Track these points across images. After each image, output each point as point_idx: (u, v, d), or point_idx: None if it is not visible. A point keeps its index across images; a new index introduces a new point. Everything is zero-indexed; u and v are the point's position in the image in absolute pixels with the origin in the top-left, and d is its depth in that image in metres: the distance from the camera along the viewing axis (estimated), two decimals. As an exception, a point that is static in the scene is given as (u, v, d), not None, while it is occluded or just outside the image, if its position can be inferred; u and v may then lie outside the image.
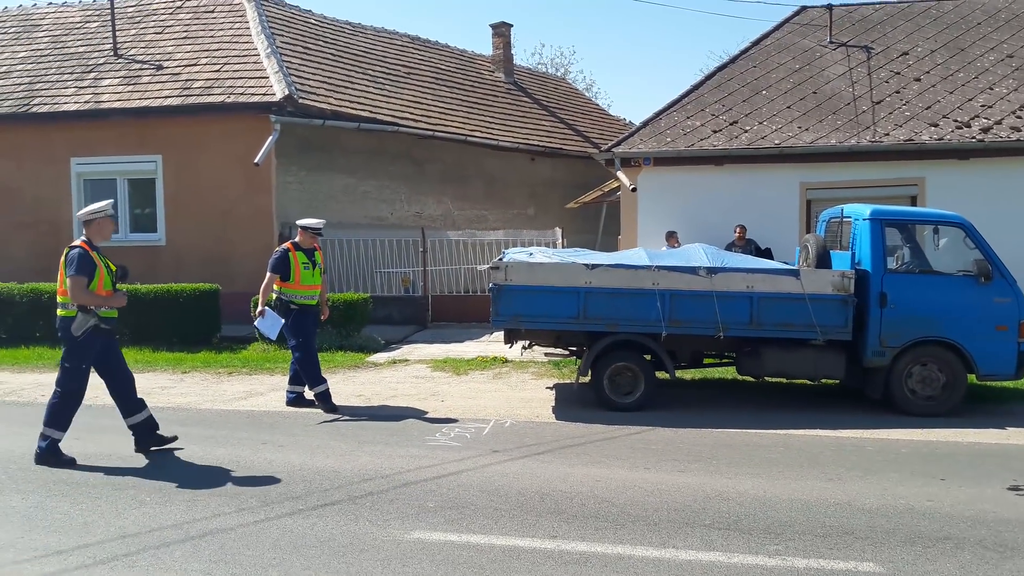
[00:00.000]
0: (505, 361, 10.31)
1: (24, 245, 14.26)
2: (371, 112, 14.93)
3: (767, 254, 11.36)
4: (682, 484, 5.73)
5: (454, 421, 7.56)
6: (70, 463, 6.21)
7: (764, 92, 14.01)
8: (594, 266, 7.98)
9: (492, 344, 11.28)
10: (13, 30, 17.05)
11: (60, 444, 6.30)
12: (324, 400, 7.92)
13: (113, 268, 6.55)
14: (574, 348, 8.68)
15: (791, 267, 8.36)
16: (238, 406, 8.37)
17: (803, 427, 7.46)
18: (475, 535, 4.78)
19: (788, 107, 13.46)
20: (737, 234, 11.80)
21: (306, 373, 7.97)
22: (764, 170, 12.52)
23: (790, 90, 13.95)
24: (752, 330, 7.92)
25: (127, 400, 6.65)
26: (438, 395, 8.70)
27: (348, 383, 8.57)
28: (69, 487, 5.70)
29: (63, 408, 6.32)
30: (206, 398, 8.74)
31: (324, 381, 8.01)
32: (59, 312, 6.37)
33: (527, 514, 5.12)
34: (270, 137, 12.97)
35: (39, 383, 9.56)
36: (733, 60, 15.36)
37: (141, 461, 6.32)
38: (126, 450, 6.60)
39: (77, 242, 6.38)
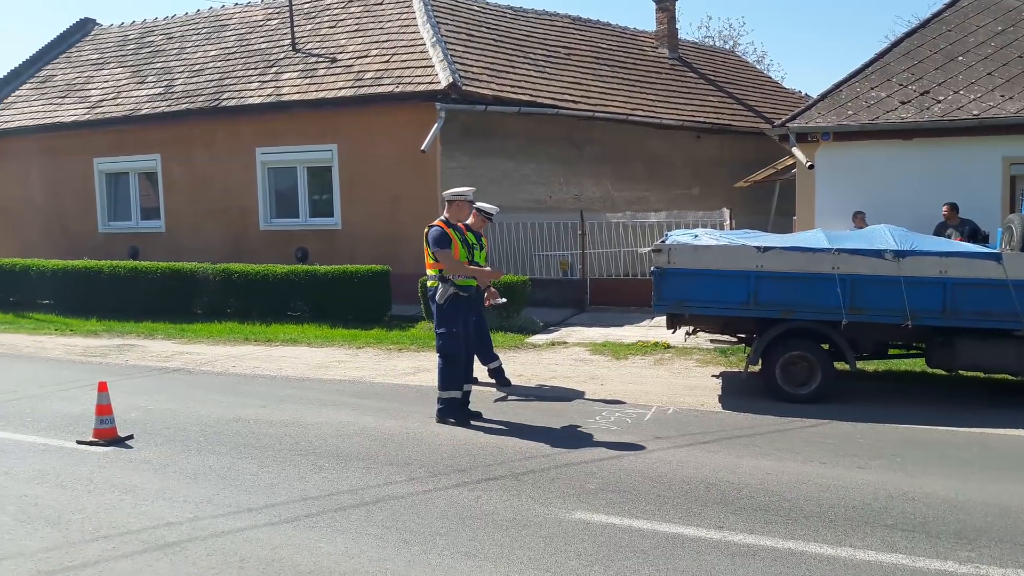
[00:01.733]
0: (667, 347, 10.18)
1: (216, 229, 15.72)
2: (531, 96, 15.11)
3: (983, 240, 10.24)
4: (861, 481, 5.43)
5: (614, 405, 7.57)
6: (476, 416, 6.99)
7: (960, 58, 12.83)
8: (766, 249, 7.67)
9: (653, 329, 11.16)
10: (205, 30, 18.73)
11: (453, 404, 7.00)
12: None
13: (472, 242, 7.32)
14: (743, 335, 8.41)
15: (992, 250, 7.64)
16: (407, 381, 8.82)
17: (1003, 426, 6.83)
18: (637, 520, 4.79)
19: (989, 74, 12.25)
20: (945, 213, 10.80)
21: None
22: (961, 144, 11.49)
23: (991, 55, 12.68)
24: (945, 319, 7.33)
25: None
26: (597, 378, 8.74)
27: (508, 363, 8.79)
28: (256, 450, 6.26)
29: (449, 370, 6.96)
30: (379, 372, 9.28)
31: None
32: (430, 284, 7.17)
33: (692, 503, 5.06)
34: (435, 124, 13.46)
35: (230, 355, 10.55)
36: (924, 24, 14.17)
37: (313, 428, 6.82)
38: (307, 417, 7.16)
39: (436, 221, 7.19)
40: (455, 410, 6.95)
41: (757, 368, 7.90)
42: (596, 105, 16.19)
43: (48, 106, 18.16)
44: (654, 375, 8.91)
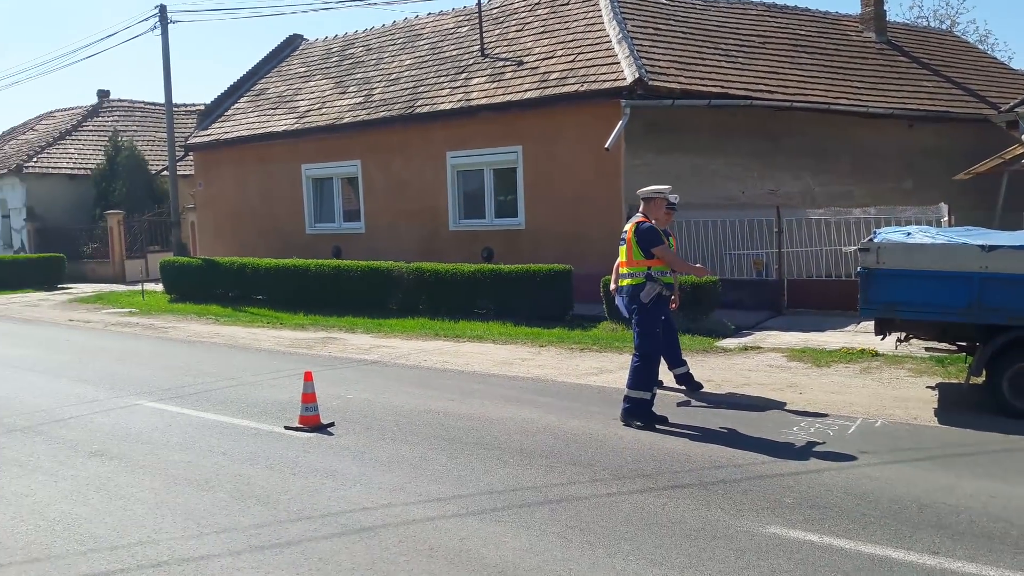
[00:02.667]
0: (875, 354, 9.44)
1: (410, 230, 16.59)
2: (722, 88, 14.61)
3: None
4: (1115, 514, 4.74)
5: (814, 415, 7.13)
6: (662, 420, 6.83)
7: None
8: (992, 248, 6.89)
9: (859, 335, 10.40)
10: (400, 41, 19.81)
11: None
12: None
13: (673, 241, 7.43)
14: (963, 343, 7.63)
15: None
16: (589, 381, 8.82)
17: None
18: (839, 539, 4.46)
19: None
20: None
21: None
22: None
23: None
24: None
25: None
26: (795, 386, 8.27)
27: (697, 368, 8.53)
28: (446, 443, 6.50)
29: (645, 370, 6.91)
30: (560, 371, 9.35)
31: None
32: (627, 282, 7.09)
33: (901, 524, 4.64)
34: (620, 122, 13.37)
35: (421, 349, 11.07)
36: None
37: (499, 423, 6.96)
38: (492, 412, 7.34)
39: (638, 217, 7.16)
40: (641, 411, 6.84)
41: (980, 380, 7.13)
42: (794, 94, 15.37)
43: (261, 117, 19.99)
44: (860, 384, 8.29)
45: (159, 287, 19.46)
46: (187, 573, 4.30)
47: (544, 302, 12.63)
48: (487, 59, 16.64)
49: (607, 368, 9.39)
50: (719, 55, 15.88)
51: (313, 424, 6.99)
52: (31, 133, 33.55)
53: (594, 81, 14.06)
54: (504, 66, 16.10)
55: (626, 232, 7.17)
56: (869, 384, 8.28)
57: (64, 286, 23.86)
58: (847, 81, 16.86)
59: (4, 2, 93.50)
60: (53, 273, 24.20)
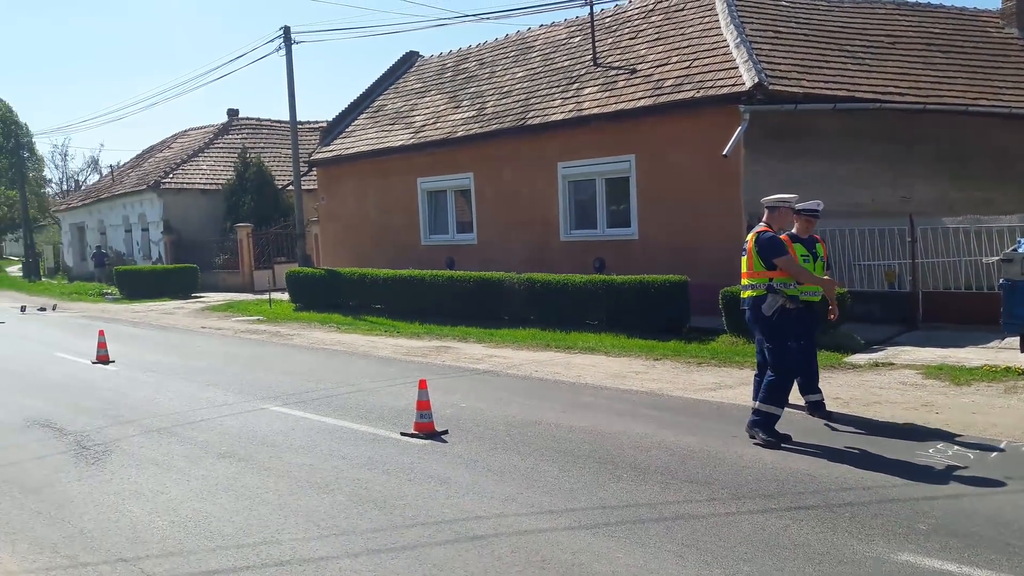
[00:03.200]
0: (1021, 373, 8.76)
1: (521, 241, 16.73)
2: (848, 91, 14.00)
3: None
4: None
5: (951, 437, 6.67)
6: (786, 439, 6.52)
7: None
8: None
9: (1002, 351, 9.69)
10: (513, 53, 20.06)
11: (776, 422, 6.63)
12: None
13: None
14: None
15: None
16: (707, 396, 8.60)
17: None
18: (980, 569, 4.16)
19: None
20: None
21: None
22: None
23: None
24: None
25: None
26: (931, 406, 7.78)
27: (824, 384, 8.13)
28: (558, 454, 6.49)
29: (780, 386, 6.63)
30: (676, 386, 9.17)
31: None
32: (748, 294, 6.88)
33: (1056, 558, 4.27)
34: (739, 128, 13.03)
35: (533, 360, 11.12)
36: None
37: (612, 437, 6.88)
38: (605, 425, 7.27)
39: (760, 227, 6.95)
40: (768, 427, 6.59)
41: None
42: (928, 96, 14.55)
43: (380, 133, 20.68)
44: (1003, 405, 7.71)
45: (285, 296, 20.42)
46: (307, 573, 4.46)
47: (658, 314, 12.43)
48: (599, 68, 16.61)
49: (726, 383, 9.14)
50: (845, 57, 15.24)
51: (428, 431, 7.14)
52: (167, 151, 36.07)
53: (711, 87, 13.77)
54: (617, 75, 16.02)
55: (747, 242, 6.96)
56: (1014, 405, 7.69)
57: (197, 295, 25.42)
58: (987, 81, 15.80)
59: (141, 29, 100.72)
60: (187, 283, 25.85)
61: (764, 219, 6.98)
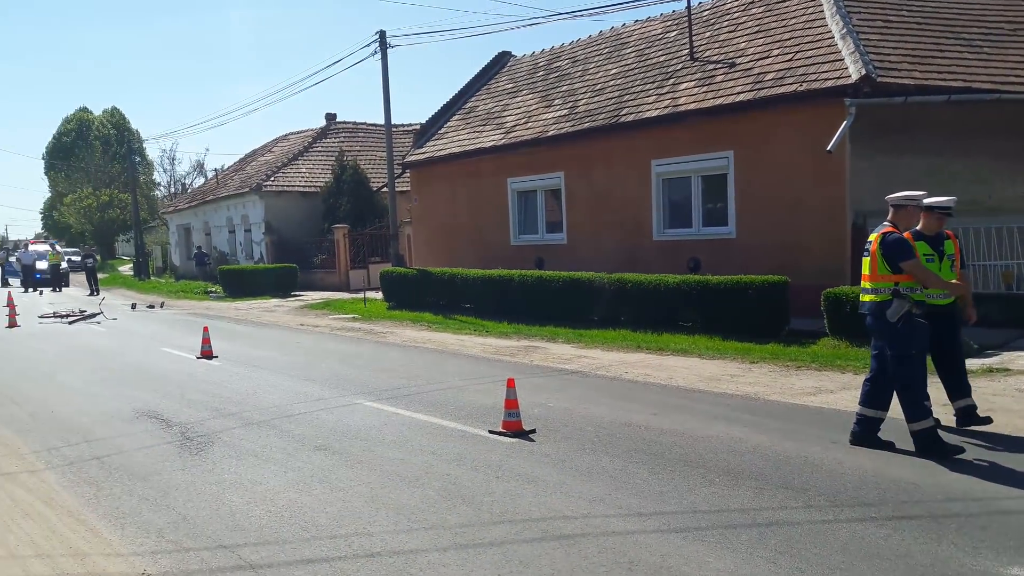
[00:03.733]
0: None
1: (612, 240, 16.64)
2: (964, 81, 13.31)
3: None
4: None
5: (1075, 449, 6.28)
6: (888, 445, 6.39)
7: None
8: None
9: None
10: (606, 50, 19.97)
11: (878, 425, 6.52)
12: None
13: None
14: None
15: None
16: (807, 401, 8.35)
17: None
18: (1107, 592, 3.91)
19: None
20: None
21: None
22: None
23: None
24: None
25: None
26: (1051, 415, 7.33)
27: (932, 390, 7.80)
28: (647, 456, 6.44)
29: (914, 400, 6.30)
30: (774, 390, 8.94)
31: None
32: (870, 298, 6.52)
33: None
34: (844, 122, 12.58)
35: (623, 361, 11.06)
36: None
37: (704, 441, 6.78)
38: (697, 429, 7.17)
39: (885, 227, 6.56)
40: (931, 441, 6.19)
41: None
42: (1052, 85, 13.67)
43: (471, 134, 20.97)
44: None
45: (379, 295, 20.98)
46: (397, 565, 4.59)
47: (756, 316, 12.12)
48: (696, 63, 16.35)
49: (826, 388, 8.85)
50: (961, 46, 14.50)
51: (515, 430, 7.21)
52: (268, 155, 37.60)
53: (814, 80, 13.35)
54: (714, 69, 15.73)
55: (870, 243, 6.55)
56: None
57: (296, 293, 26.41)
58: (1124, 66, 14.72)
59: (243, 39, 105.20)
60: (287, 281, 26.89)
61: (889, 218, 6.60)
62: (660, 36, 18.71)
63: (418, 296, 18.66)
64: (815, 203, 13.30)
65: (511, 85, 22.04)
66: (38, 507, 5.89)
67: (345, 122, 36.87)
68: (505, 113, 20.63)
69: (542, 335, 13.82)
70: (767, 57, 14.87)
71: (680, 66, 16.68)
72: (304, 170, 32.63)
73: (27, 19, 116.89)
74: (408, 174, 23.63)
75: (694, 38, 16.77)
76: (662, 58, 17.58)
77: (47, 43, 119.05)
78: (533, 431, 7.27)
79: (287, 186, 31.48)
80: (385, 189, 24.09)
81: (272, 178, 31.62)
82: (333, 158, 30.85)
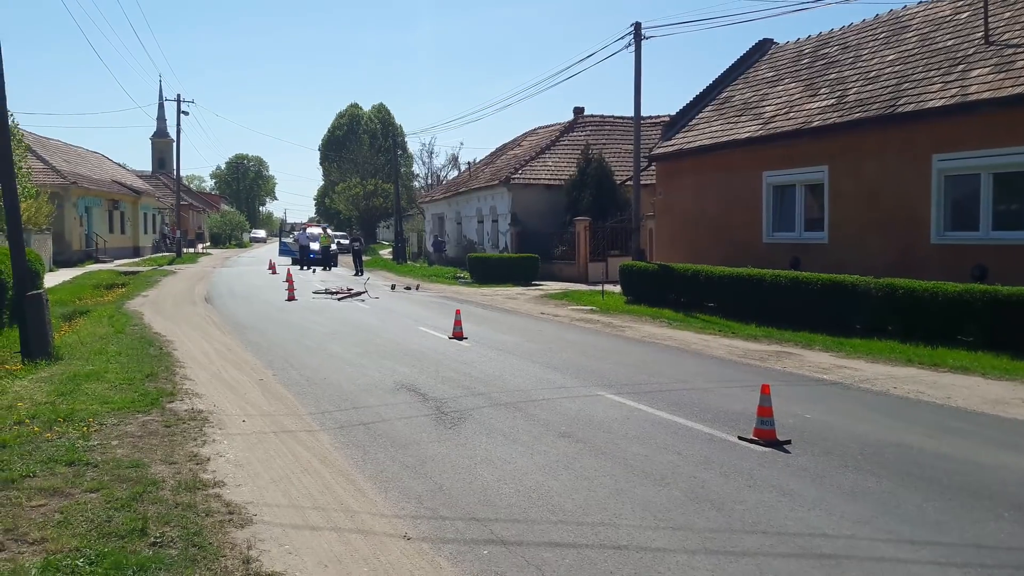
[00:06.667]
0: None
1: (880, 241, 15.35)
2: None
3: None
4: None
5: None
6: None
7: None
8: None
9: None
10: (883, 35, 18.42)
11: None
12: None
13: None
14: None
15: None
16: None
17: None
18: None
19: None
20: None
21: None
22: None
23: None
24: None
25: None
26: None
27: None
28: (921, 482, 5.87)
29: None
30: (1077, 422, 7.79)
31: None
32: None
33: None
34: None
35: (890, 375, 10.16)
36: None
37: (991, 471, 6.03)
38: (981, 456, 6.42)
39: None
40: None
41: None
42: None
43: (725, 125, 20.30)
44: None
45: (616, 288, 21.05)
46: (645, 562, 4.56)
47: (1055, 334, 10.63)
48: (992, 47, 14.59)
49: None
50: None
51: (768, 439, 6.89)
52: (517, 149, 39.08)
53: None
54: (1015, 53, 13.94)
55: None
56: None
57: (536, 283, 27.23)
58: None
59: (498, 38, 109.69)
60: (528, 271, 27.82)
61: None
62: (949, 18, 16.93)
63: (658, 292, 18.45)
64: None
65: (772, 73, 21.06)
66: (315, 464, 6.56)
67: (592, 115, 37.36)
68: (764, 103, 19.75)
69: (795, 340, 13.09)
70: (1086, 36, 12.92)
71: (972, 50, 14.98)
72: (550, 163, 33.53)
73: (311, 22, 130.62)
74: (654, 167, 23.41)
75: (990, 19, 14.97)
76: (950, 42, 15.90)
77: (327, 43, 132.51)
78: (788, 442, 6.90)
79: (533, 179, 32.53)
80: (629, 182, 24.06)
81: (520, 171, 32.82)
82: (579, 151, 31.38)
